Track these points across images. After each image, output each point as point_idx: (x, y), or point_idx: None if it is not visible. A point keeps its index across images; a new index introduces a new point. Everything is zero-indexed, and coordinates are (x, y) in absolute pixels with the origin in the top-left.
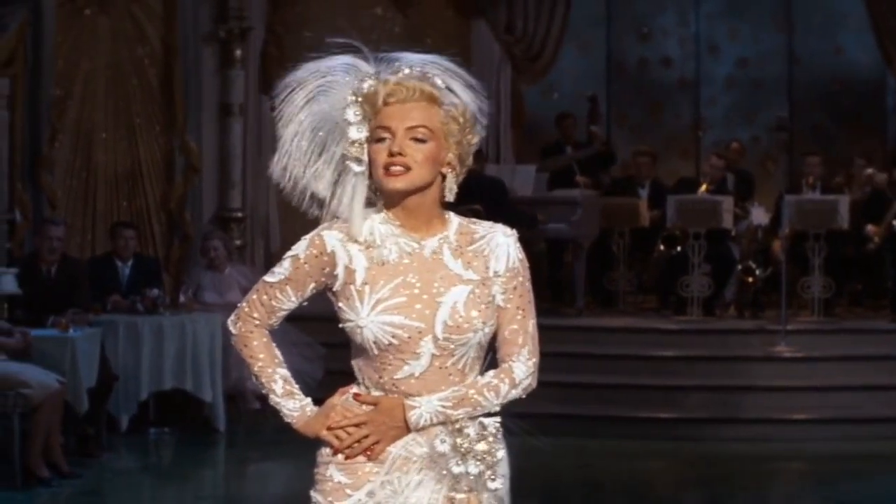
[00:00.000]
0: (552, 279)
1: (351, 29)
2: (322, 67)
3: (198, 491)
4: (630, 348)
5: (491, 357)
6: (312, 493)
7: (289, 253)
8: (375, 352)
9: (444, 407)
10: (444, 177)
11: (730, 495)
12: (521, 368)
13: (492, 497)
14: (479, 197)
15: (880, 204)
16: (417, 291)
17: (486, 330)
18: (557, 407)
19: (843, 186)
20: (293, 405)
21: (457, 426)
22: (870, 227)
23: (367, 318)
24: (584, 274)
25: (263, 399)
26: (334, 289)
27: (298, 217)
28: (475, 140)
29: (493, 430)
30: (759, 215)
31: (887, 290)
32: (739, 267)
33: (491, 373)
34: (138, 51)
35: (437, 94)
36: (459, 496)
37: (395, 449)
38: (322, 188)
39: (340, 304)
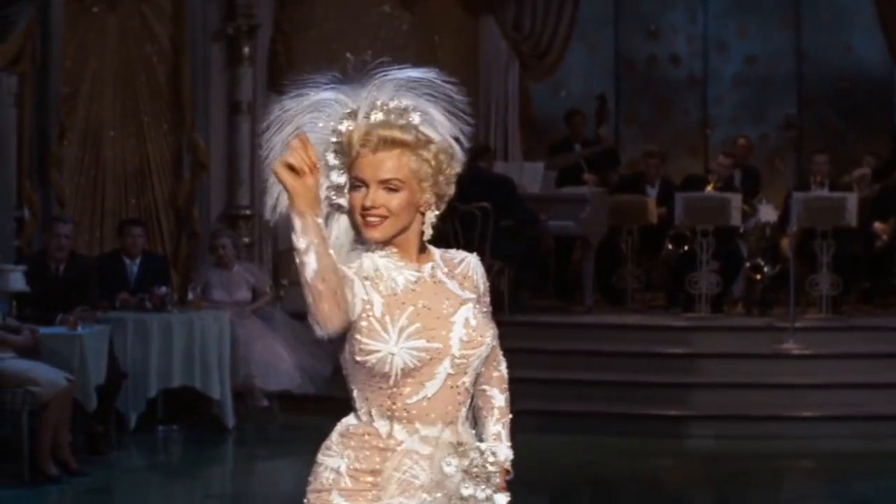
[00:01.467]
0: (560, 277)
1: (358, 27)
2: (305, 104)
3: (206, 489)
4: (638, 345)
5: None
6: None
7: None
8: (398, 378)
9: (506, 439)
10: (423, 213)
11: (738, 493)
12: (505, 370)
13: None
14: (488, 195)
15: (888, 201)
16: (430, 315)
17: (492, 343)
18: (565, 404)
19: (851, 185)
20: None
21: (461, 449)
22: (878, 225)
23: (397, 345)
24: (593, 271)
25: (271, 397)
26: (350, 319)
27: None
28: (455, 171)
29: (490, 454)
30: (768, 213)
31: (895, 287)
32: (747, 264)
33: (497, 390)
34: (146, 49)
35: (409, 140)
36: None
37: (397, 473)
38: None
39: (358, 337)
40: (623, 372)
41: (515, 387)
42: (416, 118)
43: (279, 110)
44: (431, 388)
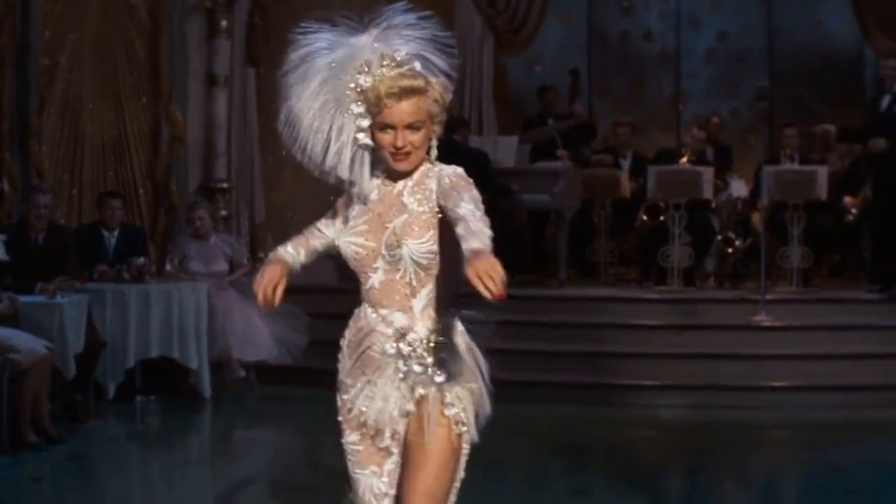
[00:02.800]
0: (535, 250)
1: (335, 1)
2: (324, 62)
3: (184, 457)
4: (612, 317)
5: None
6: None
7: None
8: (352, 266)
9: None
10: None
11: (711, 462)
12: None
13: (457, 389)
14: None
15: (858, 176)
16: (378, 220)
17: (414, 247)
18: (540, 375)
19: (821, 160)
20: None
21: (401, 333)
22: (847, 199)
23: (340, 238)
24: (567, 245)
25: (248, 368)
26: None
27: (283, 187)
28: (449, 98)
29: (435, 335)
30: (739, 187)
31: (865, 260)
32: (719, 238)
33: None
34: (125, 21)
35: (422, 86)
36: (419, 390)
37: (363, 347)
38: (345, 173)
39: None
40: (596, 343)
41: (489, 358)
42: (417, 65)
43: (300, 66)
44: (376, 279)
